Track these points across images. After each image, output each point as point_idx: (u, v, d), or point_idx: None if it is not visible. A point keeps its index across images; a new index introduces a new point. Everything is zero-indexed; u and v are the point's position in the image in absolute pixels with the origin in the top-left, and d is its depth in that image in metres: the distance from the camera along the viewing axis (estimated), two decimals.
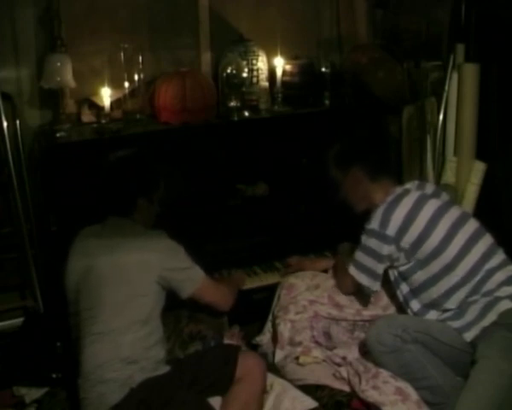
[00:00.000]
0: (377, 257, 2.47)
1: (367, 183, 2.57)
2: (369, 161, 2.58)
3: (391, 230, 2.42)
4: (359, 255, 2.53)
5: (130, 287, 2.23)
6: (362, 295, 2.68)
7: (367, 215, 2.53)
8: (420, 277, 2.44)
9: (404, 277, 2.50)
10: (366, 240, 2.49)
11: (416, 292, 2.47)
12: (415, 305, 2.48)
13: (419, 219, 2.41)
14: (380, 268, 2.49)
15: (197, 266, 2.38)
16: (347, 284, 2.64)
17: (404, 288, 2.51)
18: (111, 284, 2.23)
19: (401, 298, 2.53)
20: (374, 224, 2.46)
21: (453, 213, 2.47)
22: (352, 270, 2.56)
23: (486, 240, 2.45)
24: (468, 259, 2.39)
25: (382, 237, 2.44)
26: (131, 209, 2.37)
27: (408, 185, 2.58)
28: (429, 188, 2.62)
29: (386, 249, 2.44)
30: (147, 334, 2.22)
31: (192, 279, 2.36)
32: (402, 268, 2.48)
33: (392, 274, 2.53)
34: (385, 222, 2.43)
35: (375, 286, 2.53)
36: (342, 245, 2.83)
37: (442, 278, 2.40)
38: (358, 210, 2.62)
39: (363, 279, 2.53)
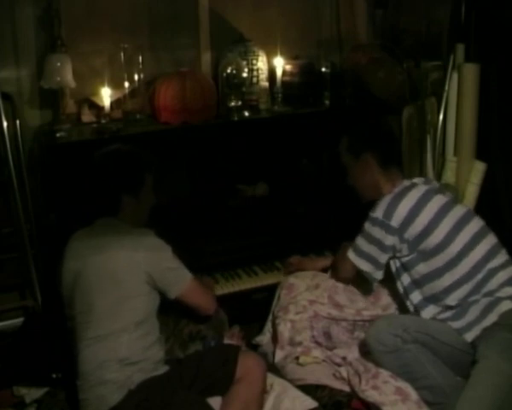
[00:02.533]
0: (381, 246, 2.47)
1: (377, 170, 2.57)
2: (382, 149, 2.59)
3: (394, 221, 2.42)
4: (361, 242, 2.53)
5: (121, 289, 2.20)
6: (361, 291, 2.68)
7: (368, 212, 2.53)
8: (422, 269, 2.44)
9: (406, 267, 2.50)
10: (369, 228, 2.50)
11: (417, 284, 2.47)
12: (415, 297, 2.48)
13: (424, 212, 2.42)
14: (383, 258, 2.49)
15: (184, 267, 2.34)
16: (346, 268, 2.63)
17: (405, 279, 2.51)
18: (101, 287, 2.21)
19: (401, 290, 2.53)
20: (378, 213, 2.46)
21: (458, 211, 2.47)
22: (352, 255, 2.56)
23: (490, 239, 2.45)
24: (471, 256, 2.40)
25: (386, 228, 2.44)
26: (117, 208, 2.33)
27: (415, 180, 2.59)
28: (435, 184, 2.63)
29: (390, 240, 2.45)
30: (143, 334, 2.21)
31: (179, 280, 2.31)
32: (404, 259, 2.48)
33: (394, 265, 2.53)
34: (389, 213, 2.43)
35: (377, 274, 2.53)
36: (344, 245, 2.83)
37: (444, 273, 2.40)
38: (365, 198, 2.62)
39: (364, 265, 2.53)
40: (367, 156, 2.57)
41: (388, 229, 2.44)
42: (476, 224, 2.47)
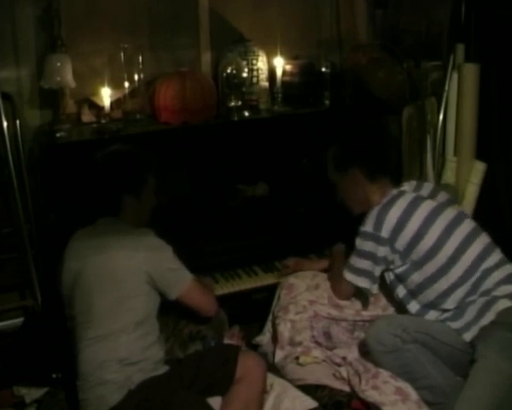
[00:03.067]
0: (374, 259, 2.47)
1: (366, 184, 2.56)
2: (368, 162, 2.57)
3: (384, 231, 2.43)
4: (355, 260, 2.53)
5: (121, 289, 2.20)
6: (361, 295, 2.68)
7: (359, 227, 2.53)
8: (416, 278, 2.44)
9: (400, 279, 2.50)
10: (361, 244, 2.50)
11: (413, 294, 2.47)
12: (413, 307, 2.48)
13: (412, 220, 2.42)
14: (377, 271, 2.50)
15: (185, 268, 2.33)
16: (345, 290, 2.62)
17: (400, 290, 2.51)
18: (101, 287, 2.20)
19: (398, 301, 2.54)
20: (368, 226, 2.47)
21: (448, 214, 2.46)
22: (349, 275, 2.56)
23: (483, 240, 2.45)
24: (464, 259, 2.39)
25: (377, 239, 2.44)
26: (118, 208, 2.33)
27: (404, 187, 2.57)
28: (426, 188, 2.61)
29: (382, 251, 2.45)
30: (143, 334, 2.21)
31: (179, 281, 2.31)
32: (398, 270, 2.48)
33: (388, 277, 2.53)
34: (379, 224, 2.43)
35: (374, 288, 2.55)
36: (336, 246, 2.83)
37: (438, 278, 2.40)
38: (357, 212, 2.61)
39: (362, 282, 2.53)
40: (354, 172, 2.56)
41: (379, 240, 2.44)
42: (467, 225, 2.46)
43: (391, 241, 2.43)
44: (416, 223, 2.41)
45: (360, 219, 2.55)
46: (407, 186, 2.58)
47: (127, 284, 2.21)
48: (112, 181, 2.34)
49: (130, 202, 2.34)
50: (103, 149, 2.41)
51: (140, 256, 2.22)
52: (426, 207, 2.45)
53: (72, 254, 2.31)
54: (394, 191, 2.53)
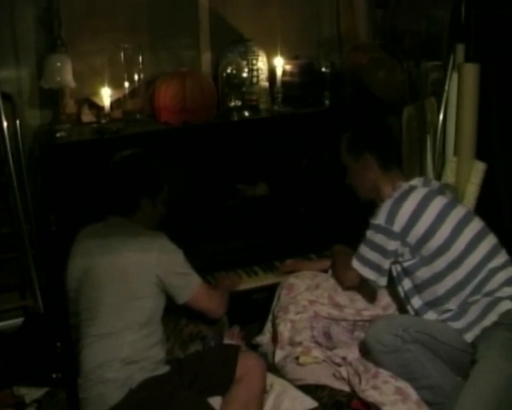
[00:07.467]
0: (383, 252, 2.47)
1: (377, 172, 2.57)
2: (383, 150, 2.59)
3: (397, 226, 2.42)
4: (364, 250, 2.53)
5: (129, 288, 2.22)
6: (362, 294, 2.68)
7: (368, 216, 2.53)
8: (424, 273, 2.44)
9: (407, 272, 2.49)
10: (372, 235, 2.49)
11: (418, 289, 2.47)
12: (416, 302, 2.48)
13: (426, 215, 2.42)
14: (386, 263, 2.49)
15: (195, 272, 2.36)
16: (351, 277, 2.62)
17: (406, 284, 2.50)
18: (109, 285, 2.22)
19: (402, 294, 2.53)
20: (380, 219, 2.46)
21: (459, 212, 2.47)
22: (356, 264, 2.55)
23: (490, 240, 2.45)
24: (471, 257, 2.40)
25: (388, 233, 2.44)
26: (134, 209, 2.36)
27: (414, 181, 2.58)
28: (434, 185, 2.63)
29: (392, 245, 2.44)
30: (147, 335, 2.22)
31: (188, 286, 2.34)
32: (406, 264, 2.48)
33: (395, 269, 2.52)
34: (391, 218, 2.43)
35: (381, 281, 2.52)
36: (336, 246, 2.83)
37: (446, 275, 2.40)
38: (364, 198, 2.63)
39: (368, 273, 2.52)
40: (367, 157, 2.57)
41: (390, 234, 2.43)
42: (477, 224, 2.47)
43: (402, 235, 2.42)
44: (429, 218, 2.41)
45: (363, 218, 2.55)
46: (416, 181, 2.59)
47: (136, 284, 2.23)
48: (134, 182, 2.36)
49: (145, 205, 2.37)
50: (121, 149, 2.42)
51: (152, 258, 2.24)
52: (438, 203, 2.45)
53: (81, 251, 2.32)
54: (405, 185, 2.53)
